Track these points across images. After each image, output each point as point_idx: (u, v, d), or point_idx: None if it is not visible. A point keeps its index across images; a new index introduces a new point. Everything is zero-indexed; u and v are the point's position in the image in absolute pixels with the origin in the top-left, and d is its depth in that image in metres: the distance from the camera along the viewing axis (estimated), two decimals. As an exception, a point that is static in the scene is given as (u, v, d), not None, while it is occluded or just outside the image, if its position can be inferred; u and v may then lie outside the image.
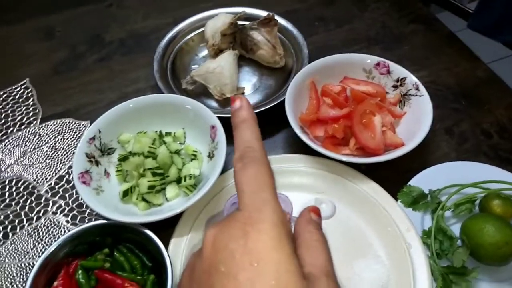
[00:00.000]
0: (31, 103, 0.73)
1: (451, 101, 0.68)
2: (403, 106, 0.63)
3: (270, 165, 0.30)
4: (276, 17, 0.72)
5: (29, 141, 0.67)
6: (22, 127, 0.70)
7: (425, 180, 0.56)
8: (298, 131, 0.57)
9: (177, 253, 0.51)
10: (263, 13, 0.76)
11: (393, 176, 0.56)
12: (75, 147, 0.66)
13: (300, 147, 0.59)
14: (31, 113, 0.71)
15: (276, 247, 0.26)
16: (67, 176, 0.63)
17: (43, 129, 0.69)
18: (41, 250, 0.56)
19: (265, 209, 0.27)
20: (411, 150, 0.54)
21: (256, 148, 0.30)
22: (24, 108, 0.72)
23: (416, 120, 0.59)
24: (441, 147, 0.63)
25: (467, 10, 1.07)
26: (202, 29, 0.75)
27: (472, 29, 1.07)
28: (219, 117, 0.58)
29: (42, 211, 0.59)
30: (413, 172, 0.57)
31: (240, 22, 0.73)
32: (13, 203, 0.61)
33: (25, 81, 0.76)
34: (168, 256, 0.47)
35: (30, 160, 0.65)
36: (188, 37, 0.78)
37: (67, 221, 0.58)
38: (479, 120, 0.66)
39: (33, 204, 0.60)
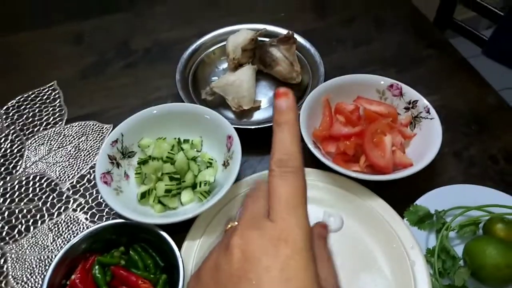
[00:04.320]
0: (58, 104, 0.77)
1: (462, 125, 0.70)
2: (414, 128, 0.65)
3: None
4: (295, 36, 0.75)
5: (54, 140, 0.71)
6: (48, 126, 0.73)
7: (431, 200, 0.57)
8: (310, 146, 0.59)
9: (189, 255, 0.53)
10: (283, 31, 0.79)
11: (401, 195, 0.58)
12: (97, 148, 0.69)
13: (311, 162, 0.61)
14: (57, 114, 0.75)
15: (305, 266, 0.27)
16: (88, 175, 0.66)
17: (68, 129, 0.72)
18: (60, 244, 0.59)
19: (299, 227, 0.28)
20: (420, 170, 0.56)
21: (297, 157, 0.30)
22: (51, 108, 0.76)
23: (426, 142, 0.61)
24: (448, 169, 0.64)
25: (482, 37, 1.09)
26: (224, 43, 0.78)
27: (487, 56, 1.09)
28: (235, 128, 0.60)
29: (63, 207, 0.62)
30: (420, 192, 0.59)
31: (260, 39, 0.76)
32: (35, 198, 0.64)
33: (53, 83, 0.80)
34: (181, 257, 0.49)
35: (54, 159, 0.68)
36: (210, 49, 0.81)
37: (86, 219, 0.61)
38: (488, 145, 0.67)
39: (55, 201, 0.63)
